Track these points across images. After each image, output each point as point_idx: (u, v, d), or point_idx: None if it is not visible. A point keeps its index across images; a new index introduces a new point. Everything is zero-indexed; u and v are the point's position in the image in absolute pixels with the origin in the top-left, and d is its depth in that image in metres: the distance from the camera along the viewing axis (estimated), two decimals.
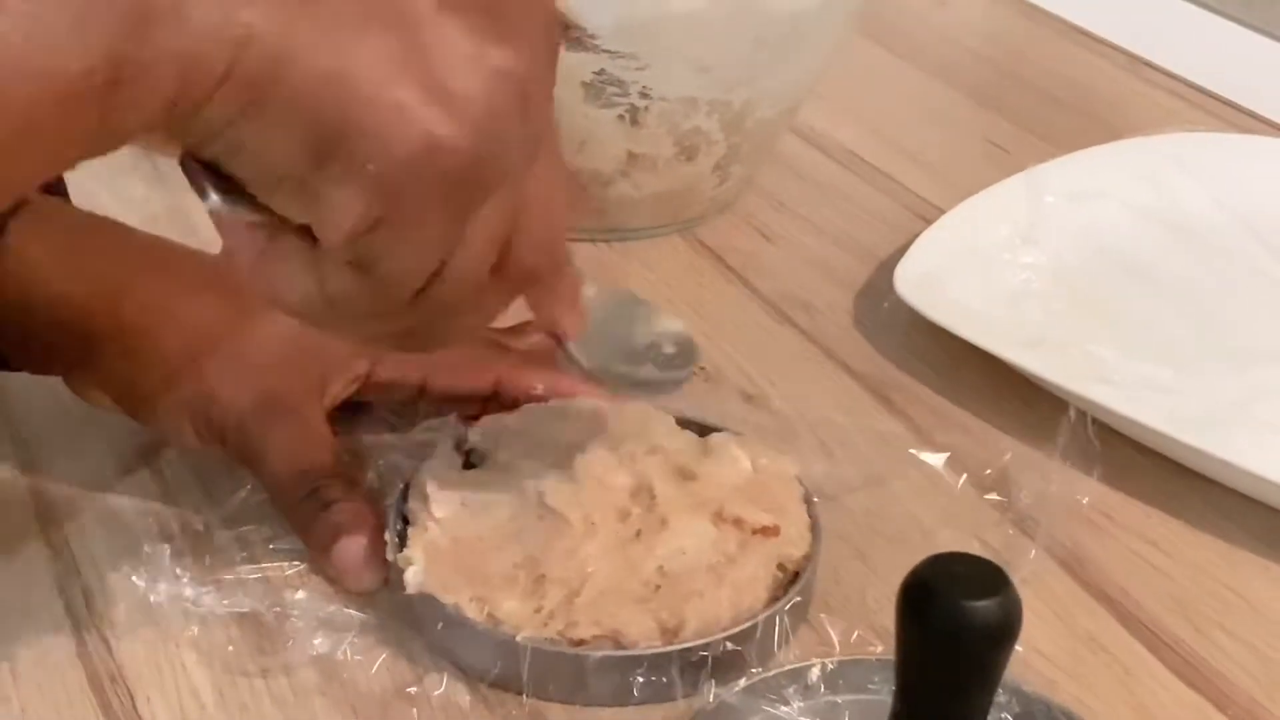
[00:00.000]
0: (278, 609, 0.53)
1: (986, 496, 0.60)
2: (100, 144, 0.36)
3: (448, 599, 0.51)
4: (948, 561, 0.39)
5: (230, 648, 0.52)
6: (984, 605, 0.37)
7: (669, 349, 0.57)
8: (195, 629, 0.53)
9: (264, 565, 0.54)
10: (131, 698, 0.50)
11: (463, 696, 0.50)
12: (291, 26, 0.35)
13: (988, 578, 0.38)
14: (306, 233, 0.39)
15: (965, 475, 0.60)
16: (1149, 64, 1.00)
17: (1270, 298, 0.73)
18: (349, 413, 0.60)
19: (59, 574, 0.55)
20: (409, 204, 0.38)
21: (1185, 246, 0.76)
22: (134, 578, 0.53)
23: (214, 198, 0.39)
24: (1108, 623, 0.55)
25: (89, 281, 0.57)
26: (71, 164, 0.36)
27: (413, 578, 0.51)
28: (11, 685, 0.51)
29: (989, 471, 0.61)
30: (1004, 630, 0.38)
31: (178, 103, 0.35)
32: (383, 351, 0.59)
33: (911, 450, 0.62)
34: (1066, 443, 0.59)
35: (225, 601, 0.53)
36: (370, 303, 0.41)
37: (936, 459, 0.61)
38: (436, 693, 0.50)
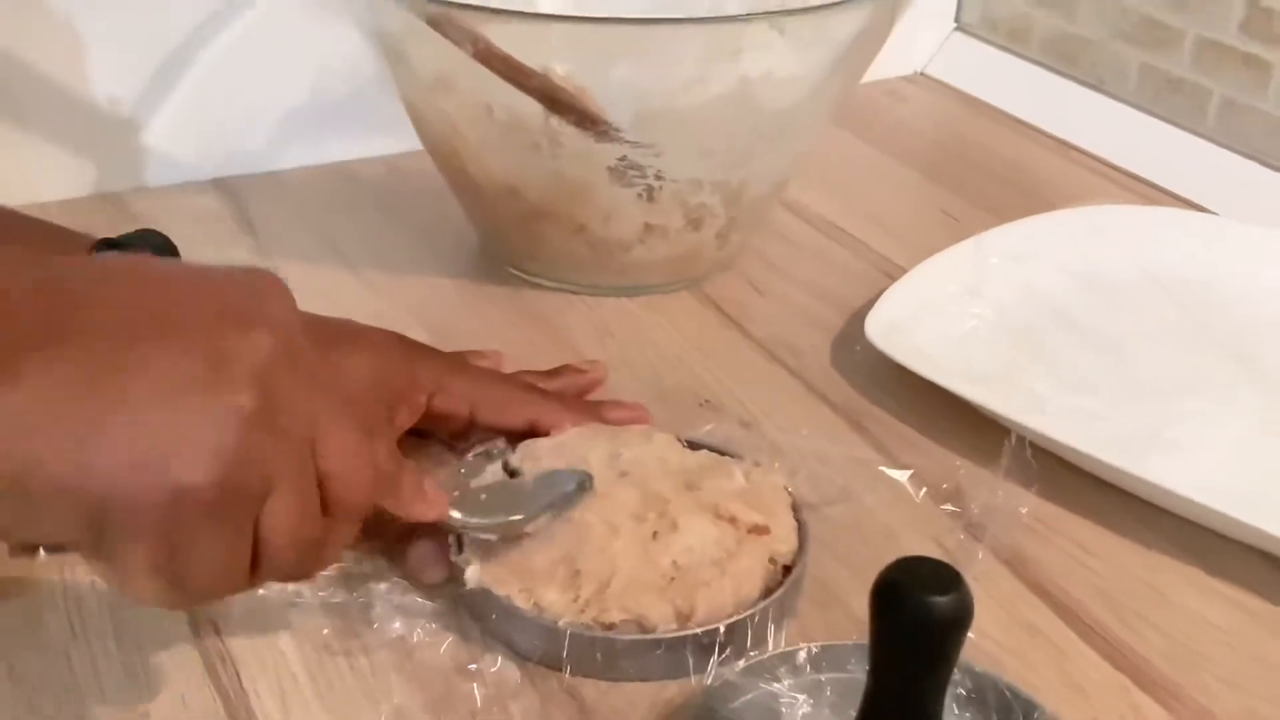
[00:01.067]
0: (362, 599, 0.53)
1: (943, 507, 0.60)
2: None
3: (500, 591, 0.51)
4: (911, 563, 0.39)
5: (325, 631, 0.52)
6: (942, 600, 0.37)
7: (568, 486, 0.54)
8: (292, 617, 0.53)
9: (350, 564, 0.54)
10: (238, 676, 0.51)
11: (513, 673, 0.50)
12: (36, 444, 0.34)
13: (945, 577, 0.38)
14: None
15: (925, 489, 0.60)
16: (1075, 147, 1.00)
17: (1176, 341, 0.72)
18: (412, 437, 0.60)
19: None
20: (185, 539, 0.36)
21: (1105, 299, 0.76)
22: None
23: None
24: (1045, 613, 0.55)
25: None
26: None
27: (471, 574, 0.52)
28: (140, 666, 0.51)
29: (945, 486, 0.61)
30: (959, 621, 0.38)
31: None
32: (441, 385, 0.60)
33: (881, 468, 0.62)
34: (1009, 463, 0.59)
35: (320, 593, 0.53)
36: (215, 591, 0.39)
37: (901, 475, 0.61)
38: (492, 670, 0.50)
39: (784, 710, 0.46)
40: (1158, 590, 0.56)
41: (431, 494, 0.49)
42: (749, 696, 0.47)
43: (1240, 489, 0.59)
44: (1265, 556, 0.57)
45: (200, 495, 0.35)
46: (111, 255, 0.43)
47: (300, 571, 0.42)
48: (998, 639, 0.53)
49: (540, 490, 0.53)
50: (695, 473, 0.56)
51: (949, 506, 0.60)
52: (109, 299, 0.36)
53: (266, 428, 0.37)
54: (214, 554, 0.37)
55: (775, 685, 0.47)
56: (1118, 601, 0.55)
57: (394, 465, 0.47)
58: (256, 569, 0.40)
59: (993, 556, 0.56)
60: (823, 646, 0.48)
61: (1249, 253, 0.77)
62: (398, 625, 0.52)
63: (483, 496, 0.54)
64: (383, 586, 0.53)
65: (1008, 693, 0.47)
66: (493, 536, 0.52)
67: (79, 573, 0.55)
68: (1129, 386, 0.69)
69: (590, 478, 0.54)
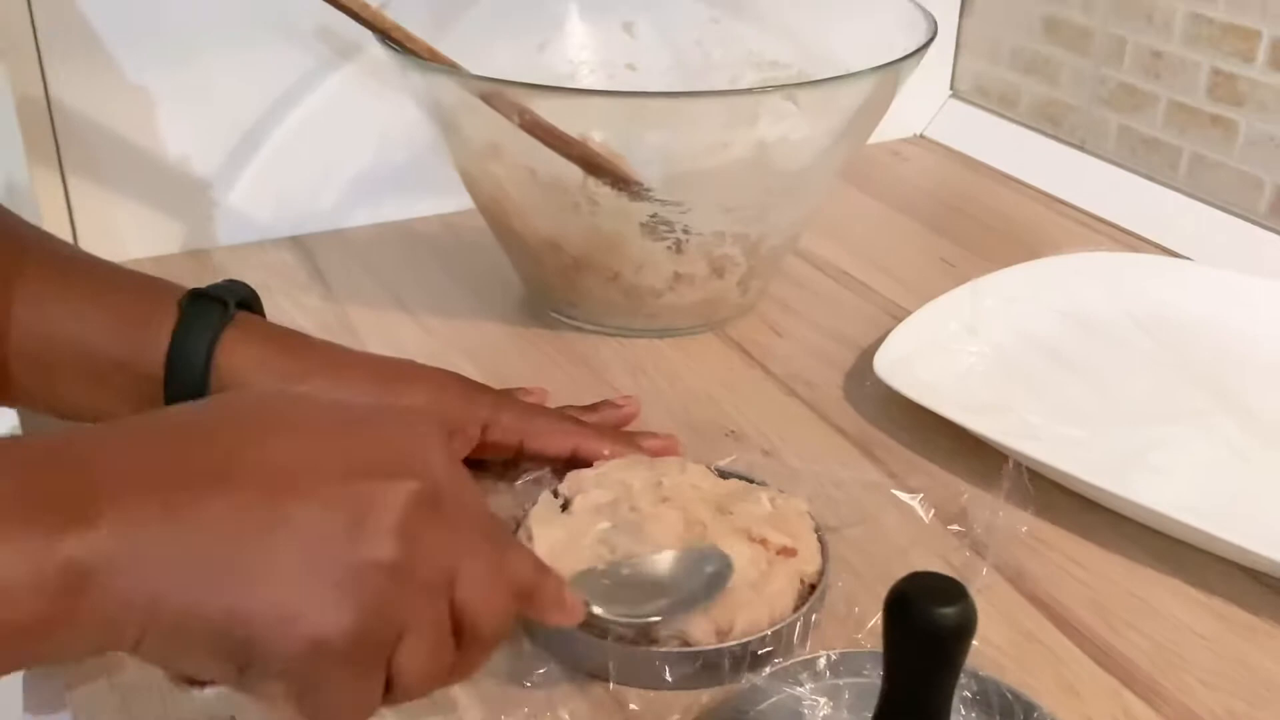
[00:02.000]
0: None
1: (949, 527, 0.59)
2: (40, 662, 0.35)
3: None
4: (920, 577, 0.39)
5: None
6: (948, 611, 0.37)
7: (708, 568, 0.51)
8: None
9: None
10: None
11: (562, 681, 0.50)
12: (189, 587, 0.34)
13: (951, 590, 0.38)
14: None
15: (933, 511, 0.60)
16: (1061, 201, 1.00)
17: (1155, 374, 0.72)
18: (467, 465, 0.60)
19: None
20: (321, 679, 0.36)
21: (1090, 337, 0.76)
22: None
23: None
24: (1042, 622, 0.54)
25: (278, 378, 0.56)
26: (14, 670, 0.34)
27: None
28: None
29: (951, 509, 0.60)
30: (964, 630, 0.38)
31: (105, 647, 0.34)
32: (493, 418, 0.60)
33: (892, 491, 0.61)
34: (1009, 486, 0.59)
35: None
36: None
37: (912, 499, 0.61)
38: (539, 672, 0.50)
39: (805, 712, 0.46)
40: (1144, 600, 0.56)
41: (570, 601, 0.45)
42: (774, 699, 0.47)
43: (1216, 507, 0.58)
44: (1240, 569, 0.57)
45: (335, 645, 0.35)
46: (272, 393, 0.41)
47: (430, 692, 0.40)
48: (1000, 646, 0.53)
49: (679, 576, 0.50)
50: (726, 499, 0.56)
51: (955, 527, 0.59)
52: (264, 445, 0.36)
53: (404, 579, 0.36)
54: (346, 694, 0.37)
55: (798, 689, 0.46)
56: (1108, 611, 0.55)
57: (536, 577, 0.43)
58: (389, 696, 0.39)
59: (995, 572, 0.56)
60: (841, 654, 0.48)
61: (1219, 294, 0.77)
62: None
63: (606, 581, 0.50)
64: None
65: (1009, 695, 0.47)
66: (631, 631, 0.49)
67: None
68: (1113, 415, 0.68)
69: (730, 564, 0.51)
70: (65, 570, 0.32)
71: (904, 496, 0.61)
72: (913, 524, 0.60)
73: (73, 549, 0.32)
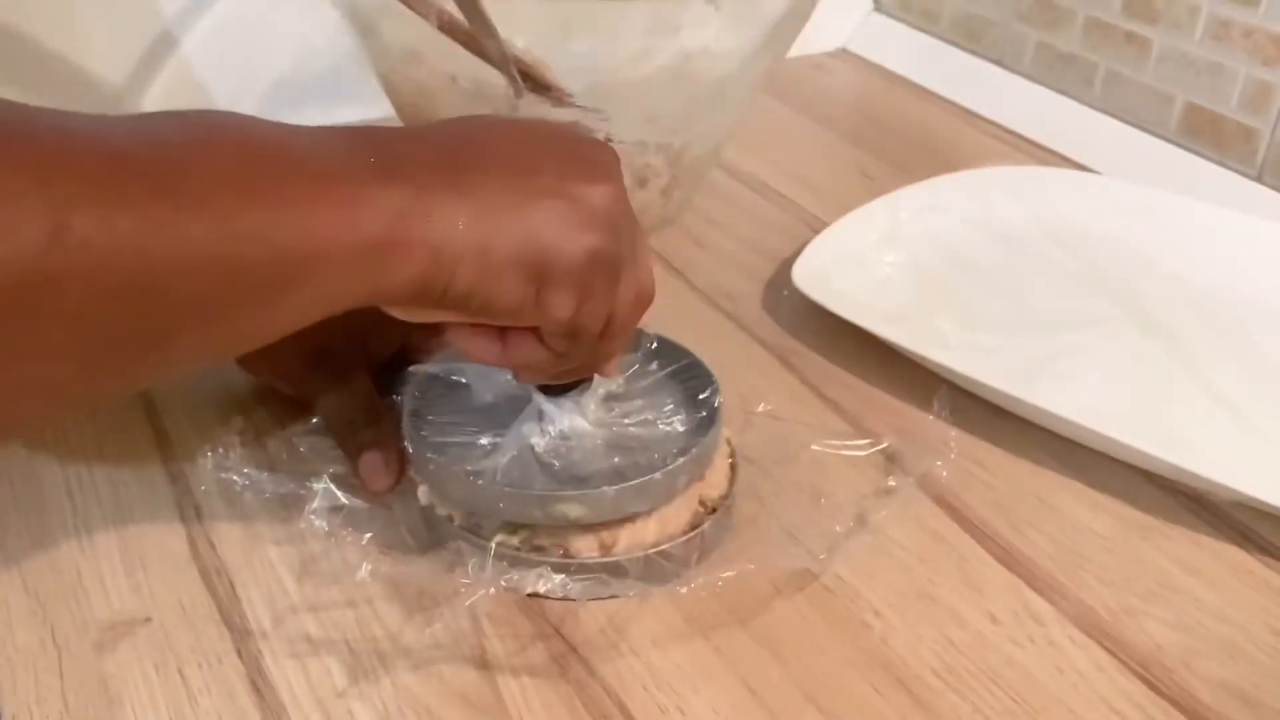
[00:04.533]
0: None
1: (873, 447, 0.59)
2: (365, 301, 0.40)
3: (441, 512, 0.51)
4: None
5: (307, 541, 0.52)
6: None
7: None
8: (280, 530, 0.53)
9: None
10: (232, 584, 0.50)
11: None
12: (492, 220, 0.41)
13: None
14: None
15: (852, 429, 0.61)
16: (978, 115, 1.00)
17: (1063, 283, 0.73)
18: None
19: (177, 495, 0.55)
20: (592, 288, 0.43)
21: (1003, 247, 0.76)
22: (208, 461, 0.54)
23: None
24: (948, 524, 0.55)
25: None
26: (342, 309, 0.40)
27: (422, 494, 0.52)
28: (142, 577, 0.51)
29: (870, 424, 0.60)
30: None
31: (428, 280, 0.40)
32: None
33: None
34: (939, 403, 0.59)
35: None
36: (570, 356, 0.46)
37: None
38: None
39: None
40: (1046, 502, 0.57)
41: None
42: None
43: (1117, 412, 0.60)
44: (1139, 471, 0.58)
45: (601, 254, 0.43)
46: (490, 115, 0.49)
47: (590, 362, 0.48)
48: (907, 546, 0.53)
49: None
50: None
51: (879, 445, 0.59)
52: (498, 147, 0.43)
53: (629, 226, 0.45)
54: (603, 302, 0.44)
55: None
56: (1011, 512, 0.56)
57: (646, 301, 0.49)
58: (605, 336, 0.46)
59: (903, 475, 0.56)
60: None
61: (1129, 208, 0.78)
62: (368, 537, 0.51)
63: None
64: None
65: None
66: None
67: (88, 498, 0.55)
68: (1023, 324, 0.69)
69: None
70: (403, 200, 0.39)
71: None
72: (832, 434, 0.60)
73: (401, 192, 0.39)
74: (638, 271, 0.46)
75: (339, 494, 0.51)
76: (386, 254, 0.39)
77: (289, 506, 0.52)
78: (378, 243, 0.38)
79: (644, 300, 0.47)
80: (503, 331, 0.45)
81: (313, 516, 0.50)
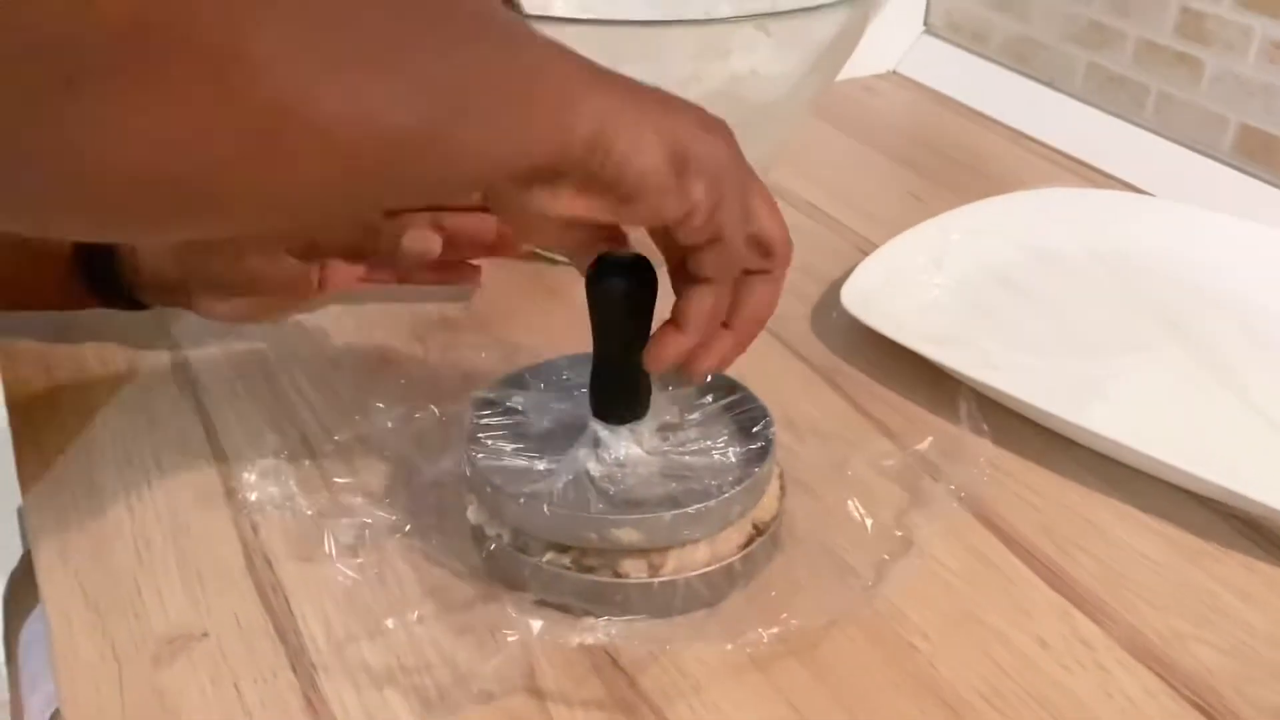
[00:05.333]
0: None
1: (912, 448, 0.59)
2: (441, 188, 0.41)
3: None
4: (612, 257, 0.48)
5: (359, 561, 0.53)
6: (617, 281, 0.48)
7: None
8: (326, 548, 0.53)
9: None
10: (287, 601, 0.51)
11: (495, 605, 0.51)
12: (642, 105, 0.41)
13: (631, 264, 0.48)
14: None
15: (896, 442, 0.61)
16: (1028, 137, 0.99)
17: (1112, 307, 0.73)
18: None
19: (233, 510, 0.56)
20: (726, 187, 0.43)
21: (1053, 270, 0.76)
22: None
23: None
24: (995, 545, 0.55)
25: None
26: (414, 201, 0.42)
27: (472, 513, 0.52)
28: (199, 592, 0.52)
29: (916, 445, 0.60)
30: (630, 293, 0.48)
31: (594, 142, 0.39)
32: None
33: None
34: (966, 417, 0.59)
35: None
36: (718, 277, 0.47)
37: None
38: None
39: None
40: (1094, 524, 0.56)
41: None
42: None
43: (1167, 435, 0.59)
44: (1188, 494, 0.57)
45: (735, 154, 0.44)
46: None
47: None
48: (953, 569, 0.53)
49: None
50: None
51: (920, 448, 0.59)
52: (638, 80, 0.43)
53: (738, 154, 0.45)
54: (736, 209, 0.44)
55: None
56: (1059, 535, 0.55)
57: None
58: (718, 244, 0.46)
59: (950, 497, 0.57)
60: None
61: (1179, 229, 0.77)
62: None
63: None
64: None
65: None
66: None
67: (146, 512, 0.56)
68: (1071, 346, 0.69)
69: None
70: (576, 69, 0.40)
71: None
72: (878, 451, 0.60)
73: (576, 62, 0.40)
74: (766, 209, 0.47)
75: (379, 512, 0.53)
76: (555, 121, 0.39)
77: (327, 525, 0.53)
78: (559, 104, 0.39)
79: (781, 246, 0.49)
80: (672, 320, 0.47)
81: (344, 542, 0.52)
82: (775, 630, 0.48)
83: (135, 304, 0.63)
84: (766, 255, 0.48)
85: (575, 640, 0.47)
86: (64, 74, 0.28)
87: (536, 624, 0.47)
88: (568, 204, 0.41)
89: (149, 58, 0.29)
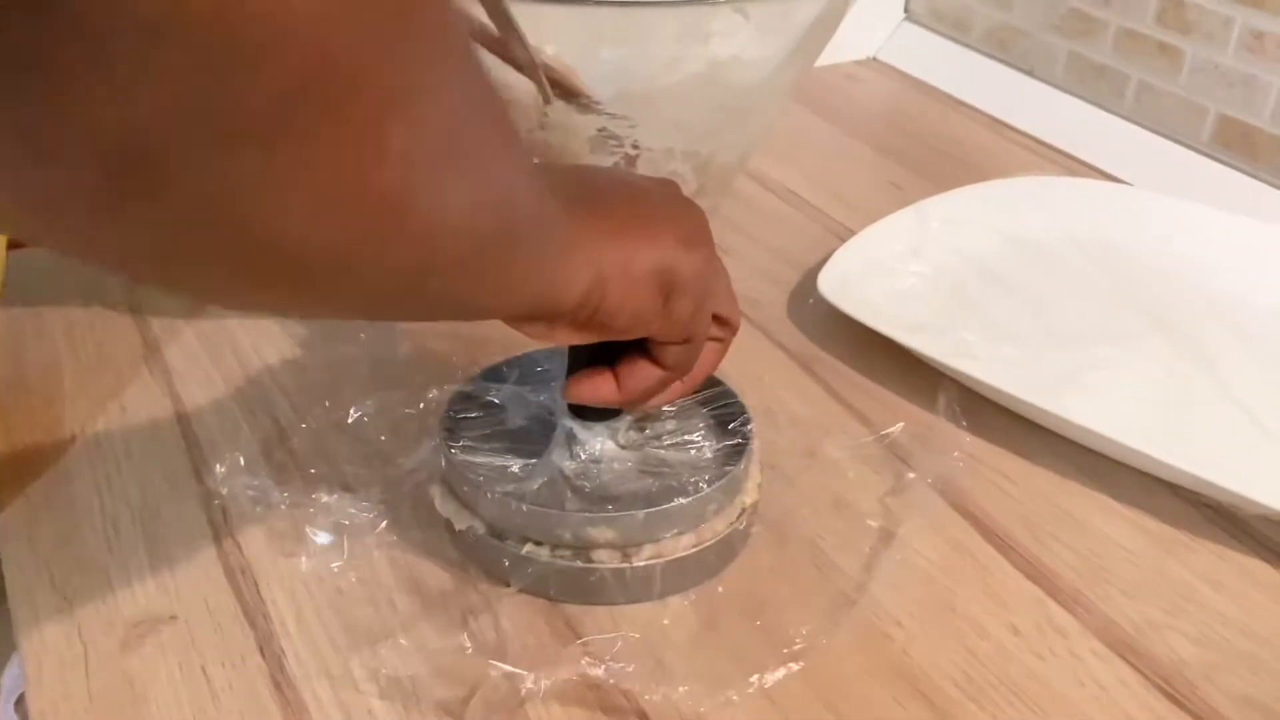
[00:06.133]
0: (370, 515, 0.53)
1: (883, 433, 0.59)
2: (461, 312, 0.42)
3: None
4: None
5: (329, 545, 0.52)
6: None
7: None
8: (298, 536, 0.53)
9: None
10: (256, 584, 0.51)
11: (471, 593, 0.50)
12: (628, 241, 0.43)
13: None
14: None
15: (868, 429, 0.60)
16: (1008, 126, 0.99)
17: (1093, 297, 0.73)
18: None
19: (203, 495, 0.56)
20: (700, 298, 0.46)
21: (1031, 258, 0.76)
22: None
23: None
24: (971, 534, 0.55)
25: None
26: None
27: (441, 508, 0.52)
28: (168, 576, 0.51)
29: (889, 430, 0.60)
30: None
31: (588, 295, 0.42)
32: None
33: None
34: (944, 405, 0.59)
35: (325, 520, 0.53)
36: (678, 367, 0.49)
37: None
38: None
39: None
40: (1071, 514, 0.56)
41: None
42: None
43: (1144, 425, 0.59)
44: (1164, 484, 0.58)
45: (712, 260, 0.47)
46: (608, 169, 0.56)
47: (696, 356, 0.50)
48: (930, 557, 0.53)
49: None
50: None
51: (891, 432, 0.59)
52: (604, 181, 0.47)
53: (718, 268, 0.49)
54: (706, 312, 0.47)
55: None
56: (1035, 524, 0.55)
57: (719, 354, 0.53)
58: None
59: (926, 485, 0.56)
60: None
61: (1159, 219, 0.77)
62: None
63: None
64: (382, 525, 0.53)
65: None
66: None
67: (116, 497, 0.55)
68: (1050, 336, 0.69)
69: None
70: (579, 221, 0.41)
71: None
72: (852, 439, 0.60)
73: (577, 216, 0.41)
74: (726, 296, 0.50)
75: (351, 500, 0.53)
76: (564, 268, 0.41)
77: (299, 515, 0.53)
78: (561, 258, 0.41)
79: (735, 320, 0.51)
80: (616, 370, 0.48)
81: (317, 530, 0.51)
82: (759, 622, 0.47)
83: None
84: (721, 326, 0.50)
85: (563, 675, 0.46)
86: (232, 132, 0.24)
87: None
88: (564, 338, 0.44)
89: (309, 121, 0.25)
